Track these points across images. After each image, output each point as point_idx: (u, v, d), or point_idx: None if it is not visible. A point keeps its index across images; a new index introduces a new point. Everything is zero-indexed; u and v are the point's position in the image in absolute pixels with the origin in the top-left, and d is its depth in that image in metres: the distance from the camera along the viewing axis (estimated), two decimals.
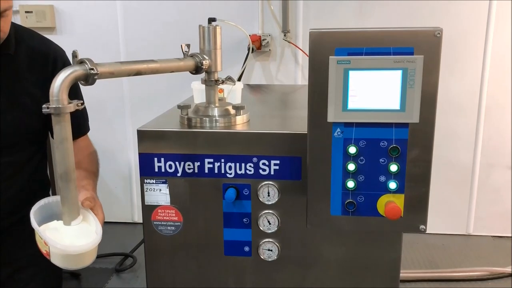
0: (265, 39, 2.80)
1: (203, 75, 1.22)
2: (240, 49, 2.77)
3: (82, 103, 1.00)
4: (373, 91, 0.97)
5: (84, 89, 1.38)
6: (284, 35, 2.80)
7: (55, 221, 1.13)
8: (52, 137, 1.45)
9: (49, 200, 1.21)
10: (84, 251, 1.07)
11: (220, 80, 1.22)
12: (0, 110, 1.33)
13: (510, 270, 2.44)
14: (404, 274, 2.39)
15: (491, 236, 2.92)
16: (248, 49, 2.73)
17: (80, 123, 1.49)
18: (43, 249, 1.10)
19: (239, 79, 2.64)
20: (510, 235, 2.88)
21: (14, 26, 1.33)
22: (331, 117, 0.99)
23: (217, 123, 1.18)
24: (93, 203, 1.20)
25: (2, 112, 1.33)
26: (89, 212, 1.17)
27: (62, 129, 0.96)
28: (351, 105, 0.98)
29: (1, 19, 1.23)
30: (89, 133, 1.58)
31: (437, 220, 2.82)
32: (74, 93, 1.37)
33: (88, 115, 1.55)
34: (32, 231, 1.47)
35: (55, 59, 1.41)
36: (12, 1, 1.24)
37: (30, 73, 1.37)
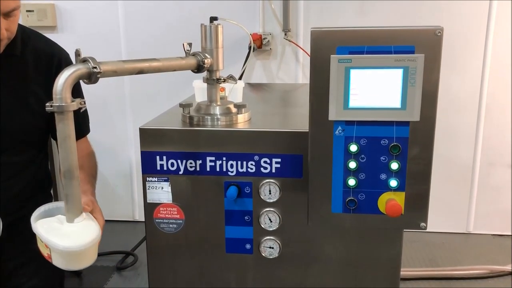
0: (266, 38, 2.81)
1: (204, 73, 1.22)
2: (241, 48, 2.77)
3: (80, 94, 1.01)
4: (374, 90, 0.98)
5: (86, 88, 1.39)
6: (285, 34, 2.80)
7: (55, 222, 1.13)
8: (53, 137, 1.47)
9: (50, 206, 1.21)
10: (84, 250, 1.08)
11: (222, 78, 1.22)
12: (8, 111, 1.34)
13: (510, 268, 2.45)
14: (404, 272, 2.40)
15: (491, 234, 2.93)
16: (249, 48, 2.73)
17: (80, 124, 1.50)
18: (44, 253, 1.12)
19: (240, 78, 2.65)
20: (510, 233, 2.89)
21: (20, 27, 1.33)
22: (332, 115, 1.00)
23: (219, 122, 1.19)
24: (91, 207, 1.21)
25: (11, 113, 1.34)
26: (87, 215, 1.18)
27: (65, 127, 0.97)
28: (352, 103, 0.99)
29: (9, 19, 1.22)
30: (90, 131, 1.58)
31: (437, 219, 2.82)
32: (76, 93, 1.39)
33: (90, 113, 1.55)
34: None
35: (60, 61, 1.42)
36: (20, 0, 1.23)
37: (36, 74, 1.38)
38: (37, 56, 1.39)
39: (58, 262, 1.10)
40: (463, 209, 2.94)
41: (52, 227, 1.11)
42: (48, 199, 1.61)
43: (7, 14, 1.21)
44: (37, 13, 2.88)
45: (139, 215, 3.12)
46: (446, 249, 2.75)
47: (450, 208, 2.91)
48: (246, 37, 2.68)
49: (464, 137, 2.84)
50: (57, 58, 1.42)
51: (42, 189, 1.56)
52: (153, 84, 2.90)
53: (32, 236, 1.49)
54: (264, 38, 2.80)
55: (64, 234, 1.09)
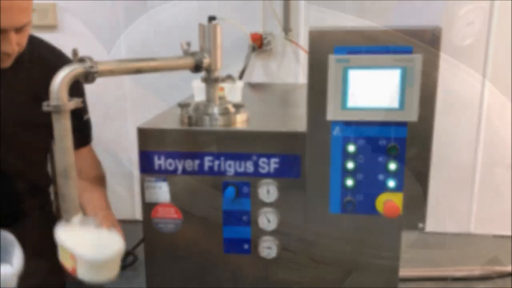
0: (266, 38, 2.80)
1: (203, 73, 1.22)
2: (242, 47, 2.77)
3: (83, 101, 1.01)
4: (372, 90, 0.97)
5: (86, 87, 1.39)
6: (286, 34, 2.79)
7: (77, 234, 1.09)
8: None
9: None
10: (109, 260, 1.06)
11: (220, 78, 1.22)
12: (13, 118, 1.34)
13: (511, 269, 2.44)
14: (404, 272, 2.39)
15: (492, 235, 2.92)
16: (249, 48, 2.73)
17: (83, 132, 1.50)
18: (69, 266, 1.07)
19: (240, 78, 2.64)
20: (511, 234, 2.88)
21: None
22: (330, 115, 0.99)
23: (217, 122, 1.18)
24: (110, 221, 1.22)
25: (16, 120, 1.35)
26: (109, 230, 1.17)
27: (62, 126, 0.96)
28: (350, 103, 0.98)
29: (21, 34, 1.23)
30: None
31: (438, 219, 2.82)
32: (80, 96, 1.39)
33: (90, 112, 1.55)
34: (33, 228, 1.50)
35: None
36: (31, 15, 1.23)
37: (43, 85, 1.38)
38: (43, 66, 1.40)
39: (83, 273, 1.06)
40: (464, 209, 2.93)
41: (75, 239, 1.07)
42: (47, 199, 1.62)
43: (19, 29, 1.21)
44: (38, 12, 2.87)
45: (139, 215, 3.11)
46: (446, 250, 2.74)
47: (451, 208, 2.90)
48: (246, 36, 2.68)
49: (464, 137, 2.83)
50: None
51: (42, 189, 1.57)
52: (153, 83, 2.90)
53: (31, 235, 1.50)
54: (265, 38, 2.80)
55: (89, 244, 1.06)
